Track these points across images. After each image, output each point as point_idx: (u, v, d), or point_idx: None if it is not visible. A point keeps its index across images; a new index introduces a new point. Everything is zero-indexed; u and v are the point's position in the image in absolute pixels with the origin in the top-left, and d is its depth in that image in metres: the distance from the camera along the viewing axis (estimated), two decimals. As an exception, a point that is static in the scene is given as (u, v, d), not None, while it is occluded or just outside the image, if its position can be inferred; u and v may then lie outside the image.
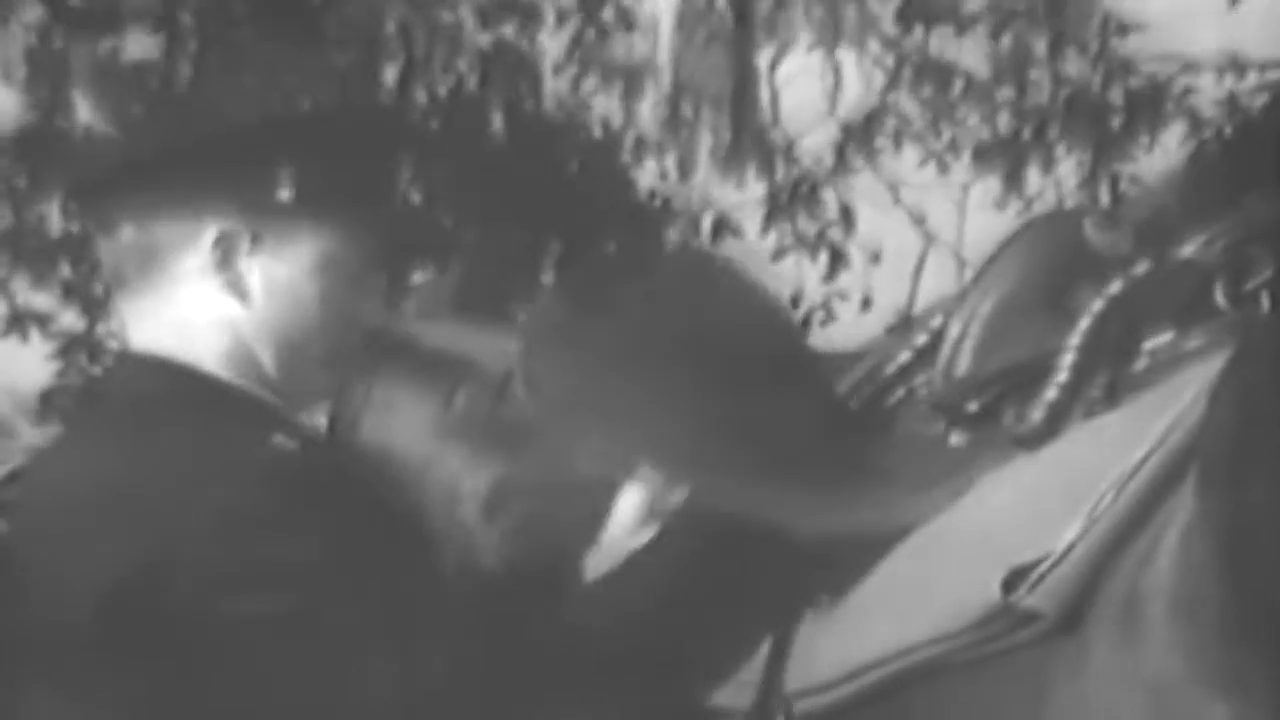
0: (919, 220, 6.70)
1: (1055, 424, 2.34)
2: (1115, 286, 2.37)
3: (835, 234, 6.71)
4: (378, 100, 2.13)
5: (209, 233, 2.20)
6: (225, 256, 2.20)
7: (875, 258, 6.65)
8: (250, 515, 2.10)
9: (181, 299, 2.22)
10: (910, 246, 6.65)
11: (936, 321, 2.53)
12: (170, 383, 2.22)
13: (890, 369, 2.57)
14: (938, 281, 6.38)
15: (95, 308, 6.27)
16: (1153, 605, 2.05)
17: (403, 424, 2.82)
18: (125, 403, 2.26)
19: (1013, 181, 6.80)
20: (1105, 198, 6.78)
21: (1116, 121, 6.82)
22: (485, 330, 3.07)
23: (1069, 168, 6.87)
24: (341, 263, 2.23)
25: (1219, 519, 2.02)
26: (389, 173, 2.27)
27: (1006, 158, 6.80)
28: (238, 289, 2.21)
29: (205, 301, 2.22)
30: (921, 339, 2.56)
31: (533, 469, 2.75)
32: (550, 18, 6.59)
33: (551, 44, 6.60)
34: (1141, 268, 2.38)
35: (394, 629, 2.13)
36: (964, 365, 2.46)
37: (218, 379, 2.23)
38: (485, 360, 2.84)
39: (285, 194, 2.20)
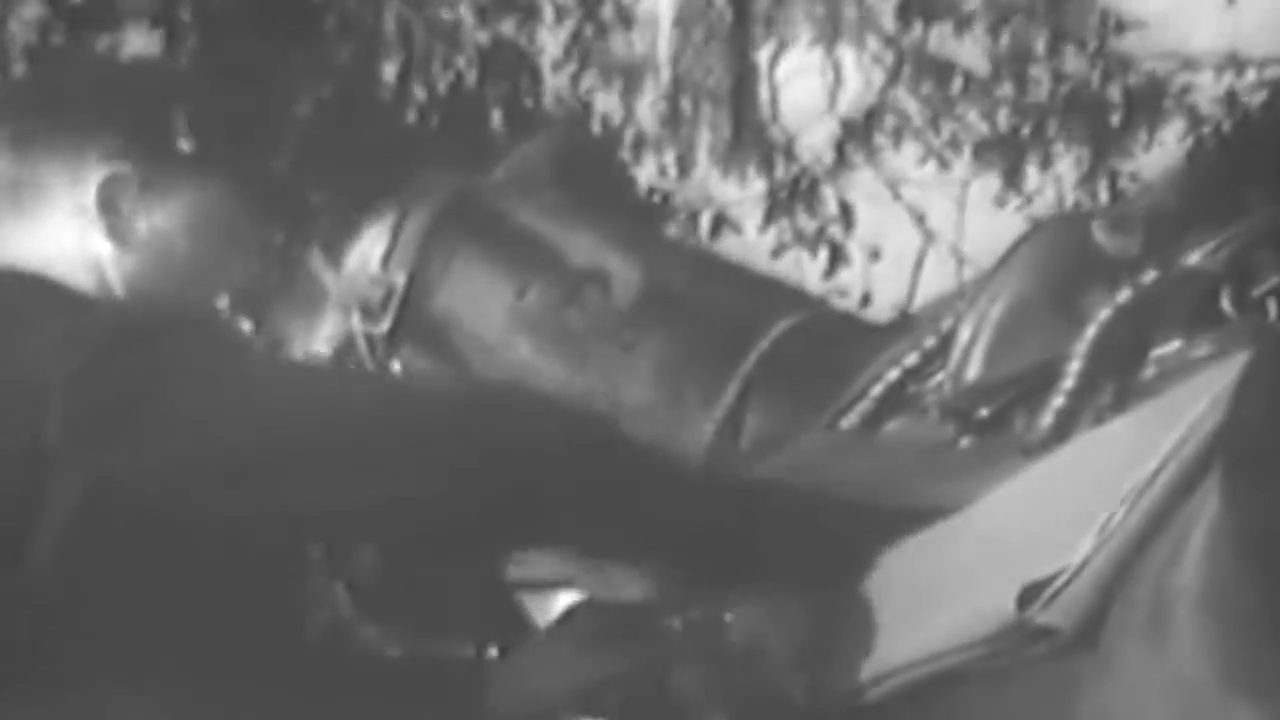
0: (919, 217, 6.69)
1: (1063, 431, 2.34)
2: (1123, 295, 2.37)
3: (835, 231, 6.70)
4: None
5: (96, 172, 2.14)
6: (111, 200, 2.15)
7: (875, 255, 6.64)
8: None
9: (52, 234, 2.16)
10: (910, 243, 6.64)
11: (945, 324, 2.52)
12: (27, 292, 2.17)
13: (896, 372, 2.56)
14: (937, 278, 6.38)
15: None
16: (1180, 606, 2.05)
17: (475, 302, 2.79)
18: None
19: (1012, 178, 6.79)
20: (1104, 195, 6.77)
21: (1115, 118, 6.81)
22: (577, 216, 2.97)
23: (1068, 164, 6.86)
24: (219, 219, 2.18)
25: (1246, 519, 2.02)
26: (284, 133, 2.21)
27: (1006, 155, 6.79)
28: (118, 233, 2.15)
29: (76, 239, 2.16)
30: (930, 342, 2.55)
31: (593, 385, 2.73)
32: (549, 15, 6.58)
33: (551, 41, 6.59)
34: (1149, 275, 2.39)
35: None
36: (974, 370, 2.46)
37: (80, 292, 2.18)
38: (568, 253, 2.78)
39: (186, 144, 2.15)
